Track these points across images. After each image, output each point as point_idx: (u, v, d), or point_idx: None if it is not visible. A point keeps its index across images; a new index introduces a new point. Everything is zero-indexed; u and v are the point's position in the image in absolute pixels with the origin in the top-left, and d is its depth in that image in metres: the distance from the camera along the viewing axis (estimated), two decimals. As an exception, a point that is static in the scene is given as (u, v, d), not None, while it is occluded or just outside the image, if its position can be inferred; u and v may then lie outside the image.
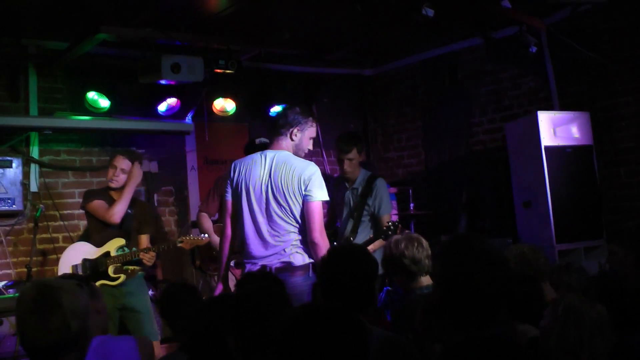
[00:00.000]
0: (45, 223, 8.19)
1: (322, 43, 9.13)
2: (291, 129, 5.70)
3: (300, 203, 5.47)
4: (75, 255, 7.02)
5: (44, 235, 8.23)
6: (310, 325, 2.44)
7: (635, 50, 7.83)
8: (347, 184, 7.44)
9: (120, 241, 6.96)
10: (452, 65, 9.93)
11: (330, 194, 7.56)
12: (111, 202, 7.05)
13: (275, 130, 5.76)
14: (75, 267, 6.96)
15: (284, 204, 5.47)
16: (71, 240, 8.30)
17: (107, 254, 6.90)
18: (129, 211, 7.12)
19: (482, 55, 9.51)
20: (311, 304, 2.69)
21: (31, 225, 7.87)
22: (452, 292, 2.71)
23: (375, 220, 7.28)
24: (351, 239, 7.15)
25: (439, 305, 2.77)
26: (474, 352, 2.63)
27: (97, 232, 7.11)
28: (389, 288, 7.96)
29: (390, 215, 7.38)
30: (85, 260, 6.95)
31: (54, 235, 8.32)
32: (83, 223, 8.47)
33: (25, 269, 7.35)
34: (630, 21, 7.85)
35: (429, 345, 3.56)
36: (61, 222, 8.37)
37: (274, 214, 5.50)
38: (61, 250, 8.19)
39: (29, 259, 7.60)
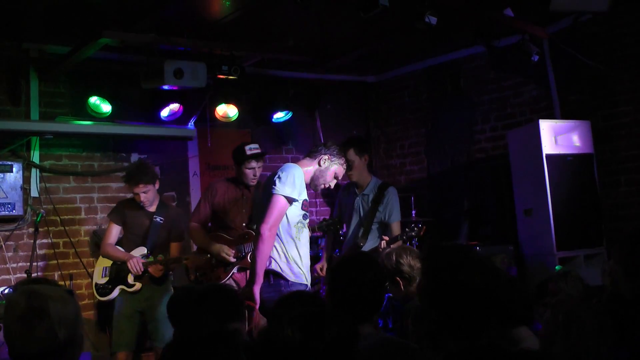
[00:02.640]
0: (45, 228, 8.18)
1: (325, 50, 9.13)
2: (322, 155, 5.84)
3: None
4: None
5: (45, 241, 8.22)
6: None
7: (636, 60, 7.84)
8: (356, 190, 7.43)
9: (142, 250, 7.12)
10: (455, 72, 9.94)
11: (338, 199, 7.61)
12: (134, 209, 7.29)
13: (307, 153, 5.96)
14: (104, 269, 7.17)
15: (264, 205, 5.57)
16: (72, 246, 8.32)
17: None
18: (159, 220, 7.26)
19: (484, 64, 9.52)
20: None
21: (31, 230, 7.87)
22: (444, 302, 2.69)
23: (384, 228, 7.29)
24: (361, 244, 7.16)
25: (431, 315, 2.75)
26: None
27: (126, 238, 7.36)
28: (391, 295, 7.97)
29: (399, 223, 7.42)
30: (113, 265, 7.17)
31: (55, 240, 8.31)
32: (84, 228, 8.50)
33: (25, 275, 7.34)
34: (631, 31, 7.86)
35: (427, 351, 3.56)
36: (62, 228, 8.36)
37: (260, 216, 5.63)
38: (62, 255, 8.23)
39: (28, 264, 7.59)
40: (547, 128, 7.83)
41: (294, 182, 5.51)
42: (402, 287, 4.96)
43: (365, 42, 8.83)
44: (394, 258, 4.95)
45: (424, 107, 10.51)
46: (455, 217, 9.54)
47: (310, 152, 5.94)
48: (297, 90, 9.99)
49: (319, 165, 5.83)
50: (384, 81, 11.11)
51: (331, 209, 10.37)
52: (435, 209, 10.03)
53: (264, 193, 5.67)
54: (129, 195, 7.51)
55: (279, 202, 5.44)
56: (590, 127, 8.04)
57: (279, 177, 5.50)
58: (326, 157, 5.83)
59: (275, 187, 5.45)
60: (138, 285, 7.08)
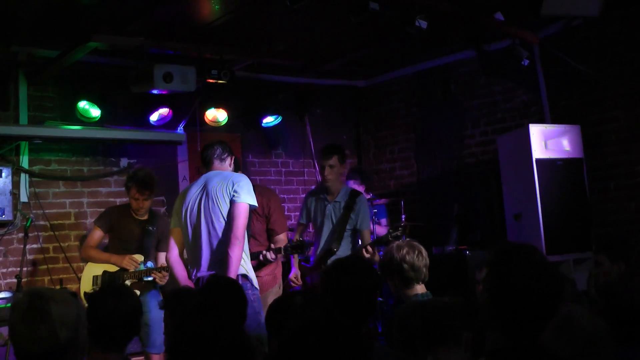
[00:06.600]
0: (35, 233, 8.13)
1: (315, 54, 9.14)
2: (226, 158, 6.28)
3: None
4: (98, 266, 7.10)
5: (34, 246, 8.18)
6: (313, 339, 2.44)
7: (626, 65, 7.86)
8: (327, 197, 7.48)
9: (139, 257, 7.04)
10: (445, 77, 9.94)
11: (305, 205, 7.74)
12: (125, 217, 7.22)
13: (212, 160, 6.23)
14: (95, 278, 7.04)
15: (219, 211, 5.86)
16: (62, 251, 8.28)
17: (127, 269, 7.00)
18: (151, 228, 7.25)
19: (475, 68, 9.53)
20: (314, 318, 2.68)
21: (21, 235, 7.82)
22: (506, 300, 2.73)
23: (355, 234, 7.39)
24: (335, 250, 7.22)
25: (488, 311, 2.79)
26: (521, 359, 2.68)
27: (116, 246, 7.22)
28: (380, 299, 7.97)
29: (369, 231, 7.57)
30: (105, 272, 7.05)
31: (45, 245, 8.28)
32: (74, 233, 8.46)
33: (15, 280, 7.30)
34: (621, 36, 7.88)
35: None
36: (52, 232, 8.32)
37: (211, 223, 5.91)
38: (52, 260, 8.19)
39: (18, 269, 7.54)
40: (537, 133, 7.82)
41: (252, 191, 5.94)
42: (397, 283, 4.92)
43: (355, 46, 8.84)
44: (403, 252, 4.86)
45: (414, 111, 10.52)
46: (445, 222, 9.53)
47: (215, 156, 6.23)
48: (287, 94, 9.99)
49: (230, 167, 6.29)
50: (374, 86, 11.11)
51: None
52: (425, 214, 10.03)
53: (216, 199, 5.91)
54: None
55: (245, 209, 5.85)
56: (580, 132, 8.05)
57: (242, 187, 5.87)
58: (230, 160, 6.30)
59: (240, 196, 5.82)
60: (136, 293, 6.93)
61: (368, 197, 9.17)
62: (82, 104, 8.28)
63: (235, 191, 5.80)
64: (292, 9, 6.10)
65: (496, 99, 9.31)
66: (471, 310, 3.52)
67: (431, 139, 10.21)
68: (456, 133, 9.83)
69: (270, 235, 7.24)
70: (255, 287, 5.94)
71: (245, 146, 10.09)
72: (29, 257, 8.10)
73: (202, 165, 6.33)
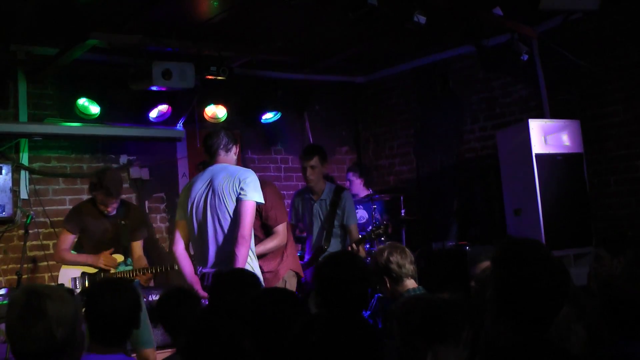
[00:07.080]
0: (35, 230, 8.12)
1: (314, 50, 9.13)
2: (232, 148, 6.15)
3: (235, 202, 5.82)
4: (73, 268, 7.02)
5: (35, 242, 8.18)
6: (324, 332, 2.45)
7: (625, 59, 7.86)
8: (312, 197, 7.58)
9: (120, 257, 6.98)
10: (444, 73, 9.92)
11: (292, 206, 7.82)
12: (94, 217, 7.13)
13: (217, 151, 6.11)
14: (74, 280, 6.95)
15: (225, 208, 5.83)
16: (62, 248, 8.29)
17: (107, 270, 6.91)
18: (122, 222, 7.11)
19: (473, 63, 9.51)
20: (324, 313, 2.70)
21: (21, 232, 7.81)
22: (512, 295, 2.74)
23: (344, 230, 7.51)
24: (325, 247, 7.31)
25: (496, 306, 2.81)
26: (530, 354, 2.69)
27: (91, 245, 7.12)
28: (381, 295, 7.99)
29: (357, 225, 7.76)
30: (84, 274, 6.94)
31: (45, 242, 8.27)
32: (74, 230, 8.46)
33: (15, 276, 7.30)
34: (621, 30, 7.88)
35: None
36: (52, 229, 8.31)
37: (217, 221, 5.88)
38: (52, 257, 8.18)
39: (19, 266, 7.54)
40: (536, 128, 7.82)
41: (259, 187, 5.93)
42: (388, 285, 5.00)
43: (353, 42, 8.82)
44: (385, 255, 4.98)
45: (412, 107, 10.51)
46: (445, 218, 9.54)
47: (221, 146, 6.10)
48: (286, 91, 9.97)
49: (234, 156, 6.21)
50: (372, 82, 11.10)
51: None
52: (425, 210, 10.02)
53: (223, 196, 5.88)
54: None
55: (252, 207, 5.83)
56: (580, 127, 8.05)
57: (248, 184, 5.82)
58: (235, 148, 6.21)
59: (247, 194, 5.78)
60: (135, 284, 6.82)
61: (367, 192, 9.20)
62: (82, 101, 8.28)
63: (242, 188, 5.78)
64: (290, 5, 6.10)
65: (495, 94, 9.30)
66: (471, 307, 3.53)
67: (430, 135, 10.20)
68: (455, 128, 9.82)
69: (267, 229, 7.22)
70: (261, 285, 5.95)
71: (245, 142, 10.08)
72: (29, 254, 8.12)
73: (206, 154, 6.21)
